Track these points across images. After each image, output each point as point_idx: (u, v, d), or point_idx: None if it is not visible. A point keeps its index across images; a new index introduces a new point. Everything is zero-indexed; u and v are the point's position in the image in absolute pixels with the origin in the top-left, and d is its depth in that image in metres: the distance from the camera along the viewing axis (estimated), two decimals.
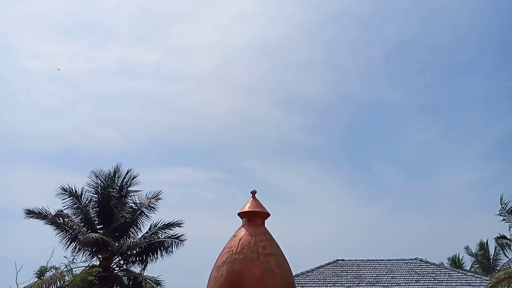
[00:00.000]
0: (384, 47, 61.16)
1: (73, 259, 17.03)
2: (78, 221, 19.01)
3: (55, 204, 19.26)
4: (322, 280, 21.17)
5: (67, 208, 19.22)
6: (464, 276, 20.54)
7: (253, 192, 6.77)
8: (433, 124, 64.93)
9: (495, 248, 31.62)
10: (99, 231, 19.15)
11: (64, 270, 16.38)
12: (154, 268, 20.38)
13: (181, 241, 20.03)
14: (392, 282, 20.09)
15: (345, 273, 21.80)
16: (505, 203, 19.19)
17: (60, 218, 18.63)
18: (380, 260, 23.19)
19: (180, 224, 20.37)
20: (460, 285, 19.14)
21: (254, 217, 6.48)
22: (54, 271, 15.67)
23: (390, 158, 65.59)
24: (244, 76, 65.14)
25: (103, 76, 58.29)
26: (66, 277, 16.29)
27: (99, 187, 19.86)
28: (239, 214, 6.62)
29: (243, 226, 6.44)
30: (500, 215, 19.47)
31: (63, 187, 19.09)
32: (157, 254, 19.90)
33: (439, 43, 58.21)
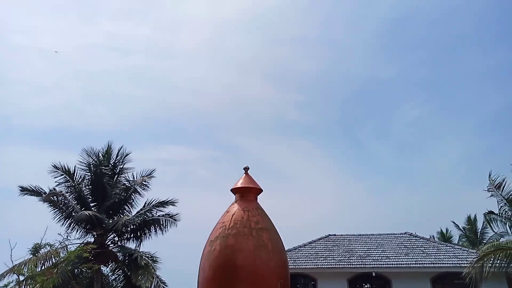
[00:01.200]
0: (379, 22, 60.46)
1: (67, 236, 17.13)
2: (71, 199, 19.04)
3: (49, 181, 19.23)
4: (314, 255, 21.63)
5: (60, 185, 19.20)
6: (452, 249, 21.12)
7: (246, 169, 6.79)
8: (426, 100, 65.09)
9: (482, 222, 32.51)
10: (92, 208, 19.21)
11: (59, 247, 16.50)
12: (149, 244, 20.66)
13: (175, 220, 20.23)
14: (382, 255, 20.60)
15: (336, 248, 22.29)
16: (494, 179, 19.55)
17: (54, 196, 18.62)
18: (371, 234, 23.72)
19: (174, 202, 20.52)
20: (447, 258, 19.70)
21: (247, 193, 6.52)
22: (48, 248, 15.77)
23: (383, 135, 66.05)
24: (236, 51, 64.17)
25: (93, 52, 57.03)
26: (61, 254, 16.44)
27: (91, 165, 19.80)
28: (232, 190, 6.65)
29: (236, 202, 6.48)
30: (489, 191, 19.86)
31: (55, 165, 18.99)
32: (151, 231, 20.12)
33: (435, 18, 57.55)
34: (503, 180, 19.15)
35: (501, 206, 20.09)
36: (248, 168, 6.76)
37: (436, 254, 20.25)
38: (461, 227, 34.49)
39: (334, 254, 21.48)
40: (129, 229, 19.63)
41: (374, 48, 62.14)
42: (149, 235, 20.16)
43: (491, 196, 19.63)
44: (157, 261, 19.42)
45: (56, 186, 18.96)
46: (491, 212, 20.82)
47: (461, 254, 20.18)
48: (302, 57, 64.49)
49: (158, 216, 20.13)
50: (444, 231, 37.00)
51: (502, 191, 19.95)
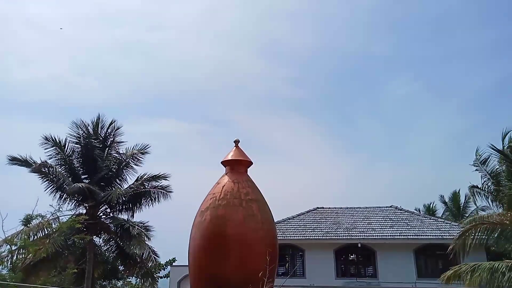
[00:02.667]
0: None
1: (59, 207, 17.26)
2: (62, 171, 19.02)
3: (38, 154, 19.14)
4: (303, 226, 22.18)
5: (51, 158, 19.14)
6: (435, 222, 21.85)
7: (236, 142, 6.88)
8: (415, 78, 65.28)
9: (465, 197, 33.48)
10: (84, 181, 19.27)
11: (51, 218, 16.64)
12: (141, 216, 20.94)
13: (168, 192, 20.39)
14: (368, 227, 21.23)
15: (324, 220, 22.87)
16: (480, 154, 20.05)
17: (45, 168, 18.59)
18: (358, 207, 24.33)
19: (167, 176, 20.64)
20: (430, 230, 20.41)
21: (237, 165, 6.64)
22: (40, 219, 15.90)
23: (371, 111, 66.44)
24: (229, 25, 62.92)
25: (81, 22, 55.40)
26: (53, 225, 16.61)
27: (82, 138, 19.70)
28: (222, 163, 6.77)
29: (226, 174, 6.61)
30: (474, 166, 20.39)
31: (46, 137, 18.84)
32: (143, 203, 20.33)
33: None
34: (489, 157, 19.68)
35: (485, 181, 20.73)
36: (239, 141, 6.86)
37: (420, 227, 20.95)
38: (445, 201, 35.51)
39: (322, 226, 22.06)
40: (121, 201, 19.80)
41: (365, 24, 61.48)
42: (141, 206, 20.40)
43: (476, 170, 20.20)
44: (149, 230, 19.75)
45: (47, 158, 18.91)
46: (475, 186, 21.47)
47: (443, 226, 20.91)
48: (295, 32, 63.64)
49: (150, 188, 20.30)
50: (429, 205, 38.05)
51: (486, 166, 20.55)
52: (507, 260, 14.52)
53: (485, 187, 21.23)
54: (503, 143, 21.56)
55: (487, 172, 20.66)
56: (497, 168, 19.05)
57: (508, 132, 21.44)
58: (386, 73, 65.93)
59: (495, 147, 18.49)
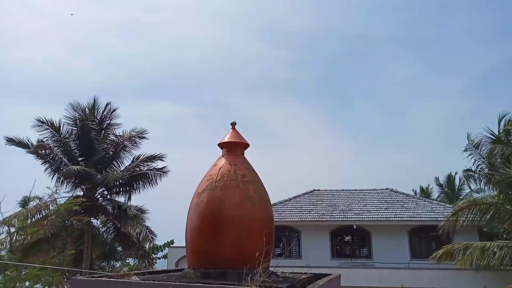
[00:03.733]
0: None
1: (56, 189, 17.32)
2: (59, 153, 18.97)
3: (33, 136, 19.05)
4: (299, 208, 22.40)
5: (47, 140, 19.06)
6: (430, 204, 22.12)
7: (233, 124, 6.84)
8: (415, 60, 64.80)
9: (460, 179, 33.85)
10: (80, 163, 19.26)
11: (48, 200, 16.71)
12: (139, 199, 21.07)
13: (164, 172, 20.46)
14: (363, 209, 21.48)
15: (320, 202, 23.09)
16: (472, 140, 20.21)
17: (42, 149, 18.53)
18: (353, 190, 24.54)
19: (162, 157, 20.68)
20: (425, 212, 20.69)
21: (234, 147, 6.62)
22: (37, 201, 15.98)
23: (370, 94, 66.23)
24: (227, 5, 61.84)
25: (76, 3, 54.27)
26: (50, 207, 16.69)
27: (78, 120, 19.57)
28: (219, 145, 6.75)
29: (223, 156, 6.60)
30: (467, 151, 20.59)
31: (39, 119, 18.71)
32: (140, 185, 20.40)
33: None
34: (480, 141, 19.83)
35: (479, 165, 20.94)
36: (235, 123, 6.83)
37: (415, 209, 21.21)
38: (440, 183, 35.91)
39: (318, 208, 22.28)
40: (118, 183, 19.86)
41: (364, 5, 60.59)
42: (138, 189, 20.48)
43: (469, 155, 20.40)
44: (145, 212, 19.91)
45: (43, 139, 18.83)
46: (469, 170, 21.69)
47: (438, 208, 21.18)
48: (294, 13, 62.68)
49: (146, 170, 20.34)
50: (425, 187, 38.49)
51: (480, 150, 20.73)
52: (499, 240, 14.81)
53: (479, 171, 21.48)
54: (499, 127, 21.70)
55: (481, 156, 20.88)
56: (494, 152, 19.19)
57: (505, 115, 21.55)
58: (386, 56, 65.50)
59: (491, 130, 18.62)
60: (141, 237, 20.06)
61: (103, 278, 5.28)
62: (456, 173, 34.63)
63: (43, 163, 18.85)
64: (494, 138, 18.55)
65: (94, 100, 20.09)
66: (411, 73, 65.11)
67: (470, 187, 27.80)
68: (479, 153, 20.88)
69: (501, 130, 20.92)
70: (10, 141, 18.42)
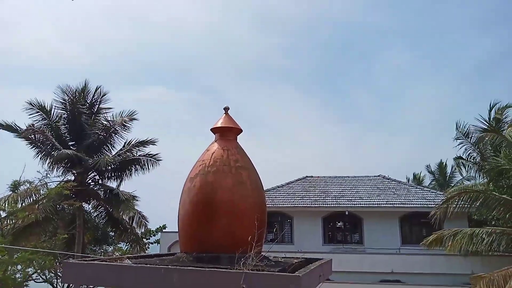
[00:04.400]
0: None
1: (46, 174, 17.17)
2: (49, 136, 18.75)
3: (23, 120, 18.78)
4: (292, 195, 22.52)
5: (37, 124, 18.80)
6: (421, 191, 22.38)
7: (226, 109, 6.76)
8: (409, 48, 64.67)
9: (451, 167, 34.26)
10: (71, 147, 19.06)
11: (38, 184, 16.58)
12: (131, 184, 20.98)
13: (157, 160, 20.35)
14: (355, 196, 21.66)
15: (313, 188, 23.22)
16: (461, 128, 20.38)
17: (32, 134, 18.29)
18: (346, 177, 24.69)
19: (154, 142, 20.55)
20: (416, 199, 20.93)
21: (227, 132, 6.55)
22: (28, 185, 15.84)
23: (363, 82, 66.19)
24: None
25: None
26: (41, 191, 16.56)
27: (68, 104, 19.30)
28: (212, 130, 6.67)
29: (215, 141, 6.54)
30: (457, 139, 20.77)
31: (30, 102, 18.42)
32: (132, 170, 20.30)
33: None
34: (468, 129, 20.00)
35: (469, 153, 21.16)
36: (228, 108, 6.74)
37: (406, 196, 21.44)
38: (432, 172, 36.32)
39: (310, 194, 22.42)
40: (109, 168, 19.74)
41: None
42: (130, 175, 20.39)
43: (460, 144, 20.60)
44: (137, 199, 19.88)
45: (33, 123, 18.56)
46: (460, 157, 21.93)
47: (429, 195, 21.43)
48: (288, 0, 61.81)
49: (139, 156, 20.22)
50: (417, 175, 38.90)
51: (470, 139, 20.93)
52: (488, 227, 15.05)
53: (470, 158, 21.72)
54: (489, 115, 21.89)
55: (472, 144, 21.09)
56: (484, 141, 19.36)
57: (496, 104, 21.73)
58: (381, 43, 65.29)
59: (482, 118, 18.75)
60: (133, 222, 20.08)
61: (96, 262, 5.25)
62: (446, 161, 35.09)
63: (33, 147, 18.64)
64: (484, 126, 18.72)
65: (85, 84, 19.80)
66: (405, 61, 65.16)
67: (461, 174, 28.14)
68: (470, 142, 21.11)
69: (492, 119, 21.10)
70: None
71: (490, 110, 21.66)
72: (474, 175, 23.23)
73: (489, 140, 18.84)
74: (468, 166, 22.20)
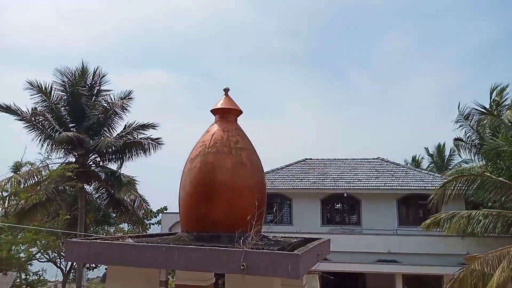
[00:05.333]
0: None
1: (48, 155, 17.27)
2: (51, 118, 18.76)
3: (21, 101, 18.75)
4: (291, 177, 22.70)
5: (37, 105, 18.79)
6: (419, 174, 22.55)
7: (226, 90, 6.78)
8: (411, 30, 63.82)
9: (450, 150, 34.39)
10: (72, 129, 19.10)
11: (40, 166, 16.69)
12: (132, 166, 21.10)
13: (159, 144, 20.36)
14: (354, 178, 21.83)
15: (312, 171, 23.38)
16: (463, 110, 20.41)
17: (37, 117, 18.30)
18: (345, 159, 24.82)
19: (155, 126, 20.54)
20: (414, 181, 21.11)
21: (227, 114, 6.59)
22: (29, 166, 15.95)
23: (363, 65, 65.63)
24: None
25: None
26: (42, 172, 16.69)
27: (67, 85, 19.24)
28: (212, 111, 6.71)
29: (216, 122, 6.58)
30: (457, 122, 20.82)
31: (30, 82, 18.35)
32: (133, 153, 20.36)
33: None
34: (471, 111, 20.03)
35: (469, 135, 21.25)
36: (228, 90, 6.76)
37: (404, 178, 21.62)
38: (431, 154, 36.47)
39: (309, 176, 22.59)
40: (110, 150, 19.82)
41: None
42: (131, 157, 20.47)
43: (460, 126, 20.67)
44: (137, 182, 20.00)
45: (33, 105, 18.56)
46: (459, 139, 22.03)
47: (427, 178, 21.62)
48: None
49: (140, 139, 20.26)
50: (416, 157, 39.06)
51: (470, 121, 20.98)
52: (484, 209, 15.27)
53: (469, 141, 21.82)
54: (490, 98, 21.88)
55: (471, 127, 21.16)
56: (483, 123, 19.42)
57: (497, 87, 21.69)
58: (381, 26, 64.39)
59: (478, 103, 18.76)
60: (135, 204, 20.30)
61: (98, 240, 5.38)
62: (444, 143, 35.20)
63: (33, 129, 18.67)
64: (483, 109, 18.75)
65: (83, 65, 19.67)
66: (405, 44, 64.45)
67: (460, 156, 28.31)
68: (469, 124, 21.17)
69: (492, 100, 21.11)
70: None
71: (491, 93, 21.63)
72: (472, 158, 23.39)
73: (487, 123, 18.90)
74: (467, 149, 22.33)
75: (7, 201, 15.08)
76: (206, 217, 5.78)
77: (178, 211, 6.51)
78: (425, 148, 36.84)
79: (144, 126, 20.44)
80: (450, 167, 32.48)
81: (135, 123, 20.38)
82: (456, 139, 22.40)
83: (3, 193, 14.80)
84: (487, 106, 19.64)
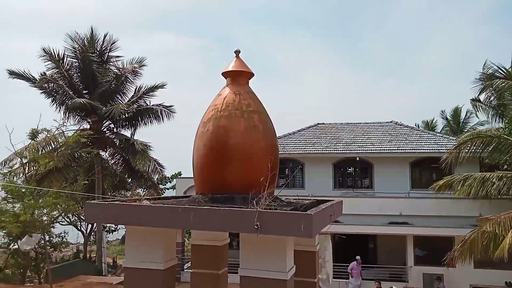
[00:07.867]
0: None
1: (63, 122, 17.55)
2: (63, 85, 18.88)
3: (34, 67, 18.84)
4: (303, 142, 22.68)
5: (49, 72, 18.87)
6: (433, 137, 22.24)
7: (237, 52, 6.66)
8: None
9: (466, 113, 33.66)
10: (85, 96, 19.24)
11: (56, 132, 17.01)
12: (145, 133, 21.34)
13: (171, 112, 20.46)
14: (367, 142, 21.70)
15: (324, 135, 23.29)
16: (488, 68, 19.60)
17: (47, 83, 18.44)
18: (358, 123, 24.58)
19: (163, 86, 20.59)
20: (428, 145, 20.88)
21: (238, 77, 6.52)
22: (45, 133, 16.27)
23: (379, 26, 63.28)
24: None
25: None
26: (59, 139, 17.04)
27: (78, 51, 19.18)
28: (223, 74, 6.64)
29: (227, 86, 6.53)
30: (480, 80, 20.08)
31: (44, 49, 18.35)
32: (147, 119, 20.55)
33: None
34: (494, 72, 19.28)
35: (488, 96, 20.62)
36: (239, 52, 6.64)
37: (418, 141, 21.38)
38: (446, 117, 35.83)
39: (322, 141, 22.53)
40: (123, 117, 20.00)
41: None
42: (144, 123, 20.67)
43: (481, 84, 19.96)
44: (150, 147, 20.29)
45: (46, 71, 18.65)
46: (477, 100, 21.44)
47: (441, 141, 21.33)
48: None
49: (153, 105, 20.36)
50: (429, 121, 38.44)
51: (491, 82, 20.26)
52: (499, 171, 15.10)
53: (487, 102, 21.24)
54: None
55: (492, 88, 20.45)
56: (502, 84, 18.79)
57: None
58: None
59: (503, 66, 18.04)
60: (149, 169, 20.70)
61: (116, 202, 5.54)
62: (462, 106, 34.43)
63: (47, 96, 18.87)
64: (505, 72, 18.06)
65: (92, 31, 19.50)
66: (423, 4, 61.57)
67: (477, 116, 27.62)
68: (491, 85, 20.46)
69: None
70: (13, 74, 18.27)
71: None
72: (489, 119, 22.85)
73: (505, 85, 18.27)
74: (485, 110, 21.75)
75: (27, 167, 15.53)
76: (220, 179, 5.87)
77: (192, 176, 6.61)
78: (441, 112, 36.15)
79: (153, 88, 20.52)
80: (466, 131, 31.91)
81: (144, 87, 20.45)
82: (473, 100, 21.78)
83: (23, 159, 15.22)
84: (508, 68, 18.90)
